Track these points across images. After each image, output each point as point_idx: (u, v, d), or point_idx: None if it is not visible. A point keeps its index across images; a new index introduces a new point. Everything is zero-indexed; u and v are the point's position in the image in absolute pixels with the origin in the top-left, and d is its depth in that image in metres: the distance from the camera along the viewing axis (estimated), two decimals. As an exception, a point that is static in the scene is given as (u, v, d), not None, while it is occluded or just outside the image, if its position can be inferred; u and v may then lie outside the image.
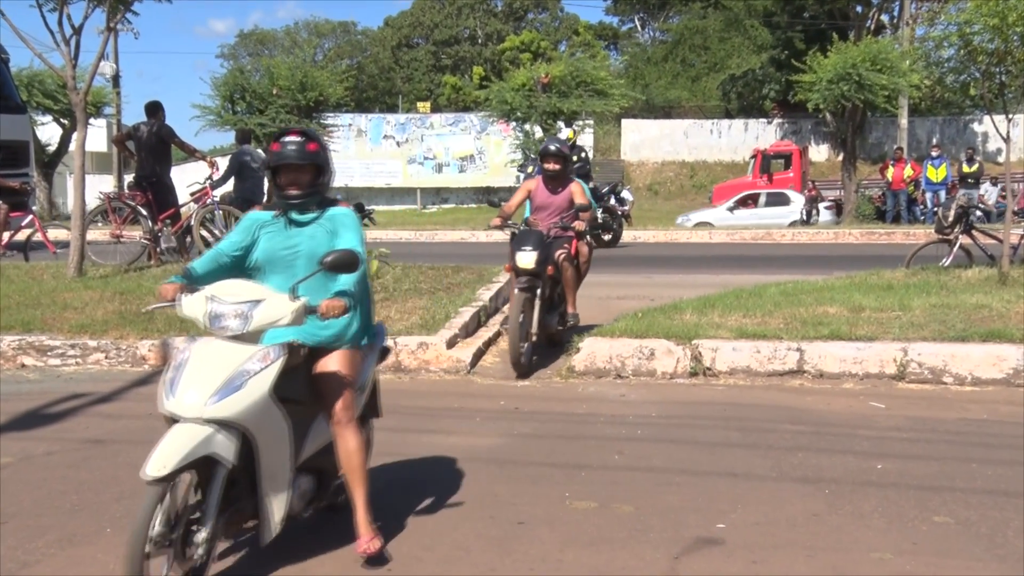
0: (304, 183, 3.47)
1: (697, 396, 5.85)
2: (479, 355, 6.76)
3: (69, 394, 5.94)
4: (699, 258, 14.40)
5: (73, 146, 9.82)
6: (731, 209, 23.13)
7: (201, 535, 2.97)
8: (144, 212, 10.67)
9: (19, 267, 9.93)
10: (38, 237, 11.66)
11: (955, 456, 4.56)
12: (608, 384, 6.19)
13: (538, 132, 21.05)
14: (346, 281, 3.34)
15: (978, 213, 15.04)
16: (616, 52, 55.55)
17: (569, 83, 21.60)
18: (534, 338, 6.53)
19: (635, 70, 45.59)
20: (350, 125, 33.74)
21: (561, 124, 20.05)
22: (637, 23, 56.57)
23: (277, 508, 3.19)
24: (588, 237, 7.29)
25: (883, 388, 5.97)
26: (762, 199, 23.27)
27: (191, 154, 12.18)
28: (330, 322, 3.33)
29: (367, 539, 3.38)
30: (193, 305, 3.15)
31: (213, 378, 2.97)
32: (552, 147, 6.97)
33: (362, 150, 35.25)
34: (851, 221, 21.84)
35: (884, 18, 34.52)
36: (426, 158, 35.25)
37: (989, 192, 22.38)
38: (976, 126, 32.83)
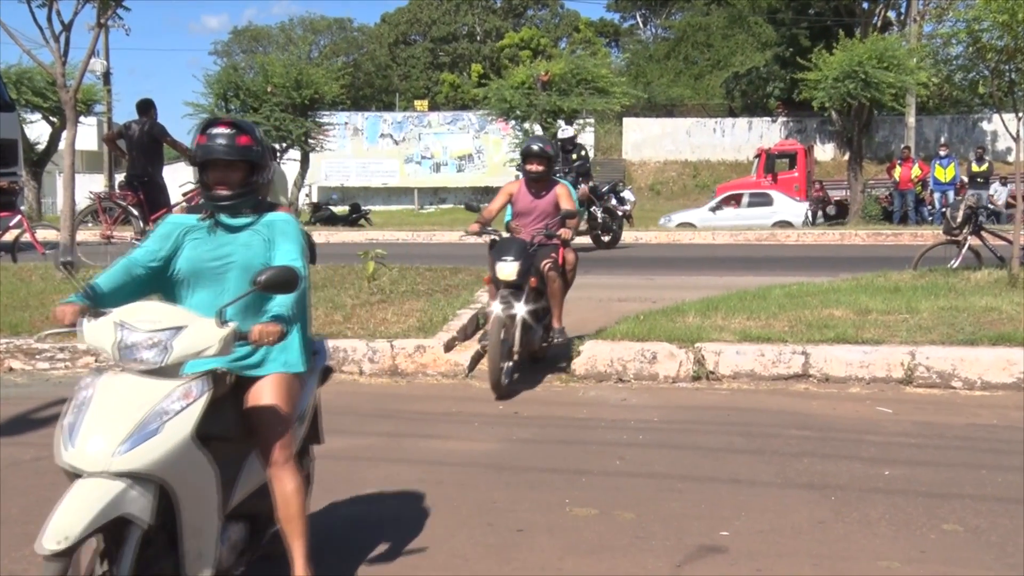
0: (235, 182, 3.04)
1: (700, 400, 5.81)
2: (477, 358, 6.67)
3: (58, 398, 5.82)
4: (702, 259, 14.34)
5: (63, 145, 9.75)
6: (713, 210, 23.09)
7: None
8: (135, 212, 10.60)
9: (7, 268, 9.83)
10: (26, 238, 11.55)
11: (964, 462, 4.52)
12: (609, 388, 6.15)
13: (538, 131, 20.95)
14: (283, 303, 2.88)
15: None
16: (617, 49, 55.68)
17: (569, 81, 21.53)
18: (516, 357, 6.07)
19: (637, 68, 45.66)
20: (346, 124, 33.75)
21: (561, 123, 19.95)
22: (639, 20, 56.65)
23: (202, 567, 2.72)
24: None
25: (890, 392, 5.92)
26: (745, 199, 23.21)
27: (183, 153, 12.03)
28: (263, 348, 2.92)
29: None
30: (98, 332, 2.67)
31: (123, 422, 2.50)
32: (535, 147, 6.47)
33: (358, 149, 35.30)
34: (857, 222, 21.73)
35: (891, 15, 34.44)
36: (424, 157, 35.26)
37: (999, 192, 22.26)
38: (985, 125, 32.77)
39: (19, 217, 11.96)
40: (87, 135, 27.97)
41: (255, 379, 3.02)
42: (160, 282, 3.05)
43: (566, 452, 4.77)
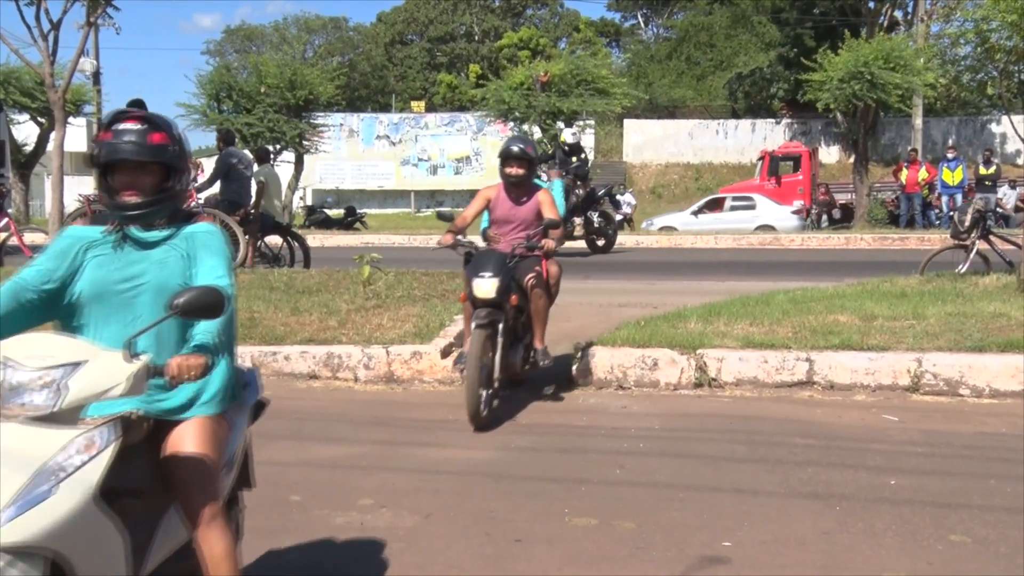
0: (147, 187, 2.56)
1: (702, 408, 5.75)
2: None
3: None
4: (704, 264, 14.34)
5: (51, 146, 9.68)
6: (695, 213, 23.00)
7: None
8: None
9: (-5, 272, 9.80)
10: (14, 241, 11.49)
11: (972, 472, 4.47)
12: (609, 395, 6.09)
13: (537, 133, 20.92)
14: (207, 329, 2.46)
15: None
16: (618, 50, 55.72)
17: (569, 82, 21.52)
18: (497, 384, 5.50)
19: (638, 68, 45.66)
20: (341, 125, 33.74)
21: (561, 124, 19.92)
22: (640, 19, 56.63)
23: None
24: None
25: (896, 400, 5.86)
26: (727, 203, 23.14)
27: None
28: (182, 386, 2.43)
29: None
30: None
31: (5, 482, 2.01)
32: (515, 147, 5.91)
33: (354, 151, 35.25)
34: (863, 225, 21.66)
35: (897, 14, 34.27)
36: (420, 159, 35.20)
37: (1008, 195, 22.12)
38: (994, 127, 32.68)
39: (6, 220, 11.89)
40: (76, 136, 27.71)
41: (174, 423, 2.56)
42: (56, 309, 2.56)
43: (565, 461, 4.73)
